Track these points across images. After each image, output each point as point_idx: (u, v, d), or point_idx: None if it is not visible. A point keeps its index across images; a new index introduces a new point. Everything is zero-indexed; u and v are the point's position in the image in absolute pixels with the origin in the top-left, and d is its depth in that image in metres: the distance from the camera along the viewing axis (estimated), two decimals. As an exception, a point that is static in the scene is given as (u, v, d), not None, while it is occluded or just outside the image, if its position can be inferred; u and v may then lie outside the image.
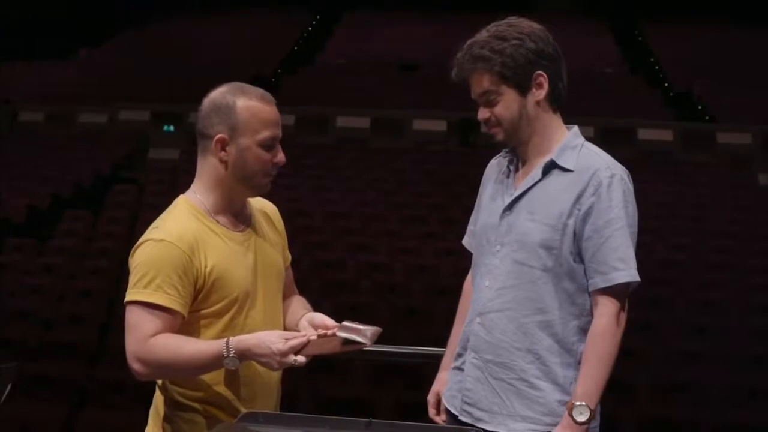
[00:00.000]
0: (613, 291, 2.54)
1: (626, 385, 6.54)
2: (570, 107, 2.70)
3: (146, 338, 2.38)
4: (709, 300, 8.35)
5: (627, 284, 2.55)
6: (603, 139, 12.34)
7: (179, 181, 11.44)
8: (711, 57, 16.34)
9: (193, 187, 2.55)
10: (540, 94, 2.60)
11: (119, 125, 13.96)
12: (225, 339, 2.38)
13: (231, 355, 2.36)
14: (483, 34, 2.62)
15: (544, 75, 2.59)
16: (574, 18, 18.67)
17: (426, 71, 15.90)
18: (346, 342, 2.42)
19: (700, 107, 15.08)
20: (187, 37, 17.58)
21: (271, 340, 2.37)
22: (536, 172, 2.63)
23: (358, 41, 18.05)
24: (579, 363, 2.59)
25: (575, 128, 2.69)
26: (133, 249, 2.47)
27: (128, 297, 2.42)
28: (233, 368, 2.41)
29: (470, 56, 2.60)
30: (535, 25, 2.64)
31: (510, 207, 2.65)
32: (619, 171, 2.59)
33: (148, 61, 16.26)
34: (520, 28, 2.61)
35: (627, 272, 2.53)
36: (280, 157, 2.50)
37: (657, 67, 17.26)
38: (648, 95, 15.64)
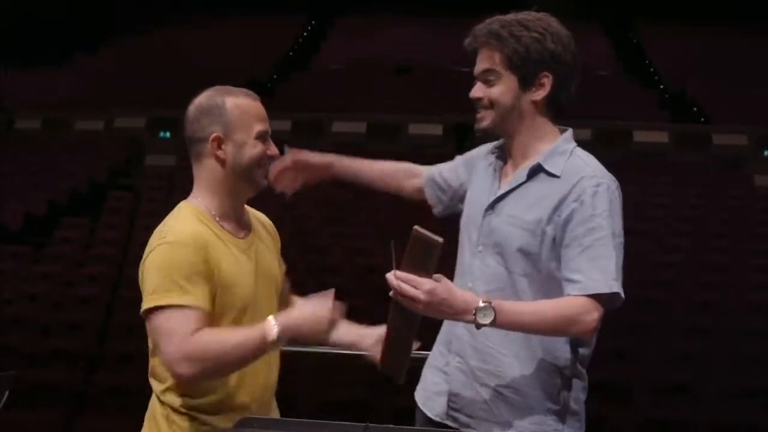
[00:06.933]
0: (588, 299, 2.39)
1: (623, 387, 6.52)
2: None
3: (189, 337, 2.31)
4: (705, 301, 8.35)
5: (605, 296, 2.40)
6: (599, 141, 12.37)
7: (176, 187, 11.44)
8: (705, 58, 16.35)
9: (194, 192, 2.54)
10: (539, 94, 2.54)
11: (115, 132, 13.95)
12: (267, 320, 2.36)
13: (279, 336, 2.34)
14: (511, 15, 2.57)
15: (549, 77, 2.53)
16: (567, 20, 18.62)
17: (421, 75, 15.90)
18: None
19: (695, 108, 15.09)
20: (183, 43, 17.55)
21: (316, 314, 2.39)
22: (521, 173, 2.57)
23: (352, 45, 18.02)
24: (565, 369, 2.54)
25: (568, 132, 2.62)
26: (145, 256, 2.42)
27: (155, 302, 2.35)
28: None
29: (488, 30, 2.55)
30: (565, 30, 2.57)
31: (492, 206, 2.59)
32: (607, 180, 2.49)
33: (144, 68, 16.24)
34: (548, 25, 2.55)
35: (604, 283, 2.39)
36: (273, 149, 2.54)
37: (651, 69, 17.27)
38: (642, 97, 15.65)
